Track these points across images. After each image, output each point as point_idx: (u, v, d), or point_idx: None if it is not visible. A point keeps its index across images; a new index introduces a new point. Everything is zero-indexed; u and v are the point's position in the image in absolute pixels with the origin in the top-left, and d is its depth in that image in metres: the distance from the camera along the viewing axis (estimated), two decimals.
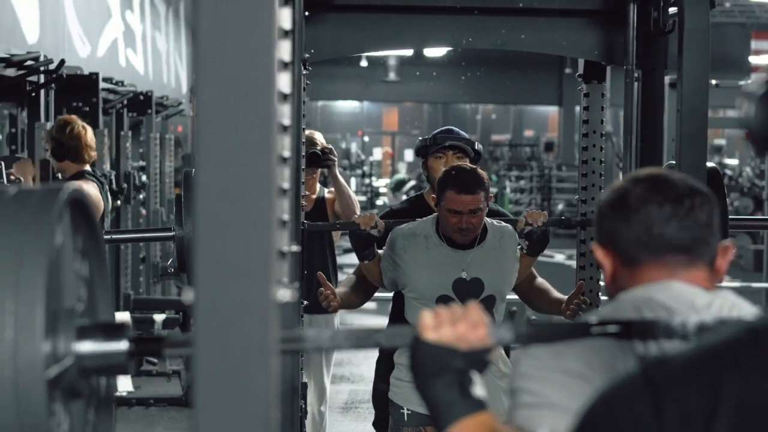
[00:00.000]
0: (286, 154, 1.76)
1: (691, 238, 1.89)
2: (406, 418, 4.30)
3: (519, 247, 4.35)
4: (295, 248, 1.72)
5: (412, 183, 24.24)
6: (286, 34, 1.73)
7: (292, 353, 3.68)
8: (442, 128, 4.93)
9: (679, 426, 1.39)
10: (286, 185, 1.75)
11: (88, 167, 6.14)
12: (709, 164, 4.13)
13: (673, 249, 1.89)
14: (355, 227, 4.31)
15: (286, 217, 1.73)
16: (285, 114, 1.74)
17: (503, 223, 4.39)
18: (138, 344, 1.73)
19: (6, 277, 1.54)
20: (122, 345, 1.70)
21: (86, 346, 1.70)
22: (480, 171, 4.26)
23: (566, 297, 4.37)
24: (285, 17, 1.72)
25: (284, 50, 1.72)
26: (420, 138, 4.91)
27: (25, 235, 1.58)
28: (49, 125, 6.70)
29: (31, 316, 1.54)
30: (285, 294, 1.38)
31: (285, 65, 1.74)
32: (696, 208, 1.89)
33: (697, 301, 1.88)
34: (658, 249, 1.89)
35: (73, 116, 6.38)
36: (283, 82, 1.72)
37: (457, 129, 4.90)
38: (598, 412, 1.50)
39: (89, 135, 6.14)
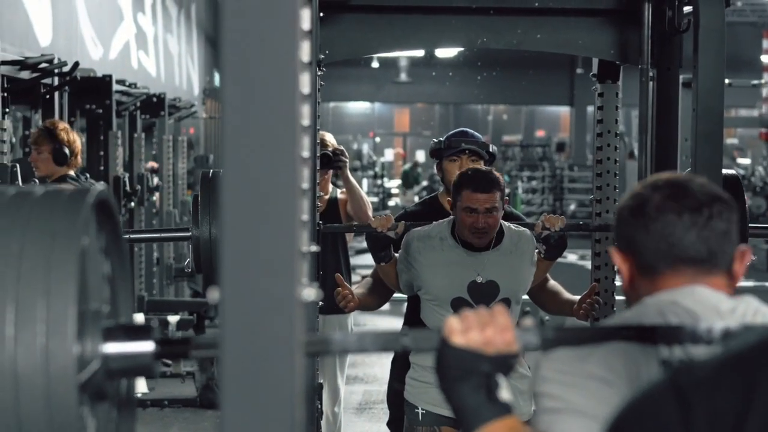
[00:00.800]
0: (306, 154, 1.76)
1: (710, 248, 1.88)
2: (420, 418, 4.31)
3: (536, 251, 4.33)
4: (314, 248, 1.72)
5: (425, 183, 24.24)
6: (305, 34, 1.73)
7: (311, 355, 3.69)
8: (456, 130, 4.92)
9: (708, 429, 1.39)
10: (305, 185, 1.75)
11: (72, 172, 6.16)
12: (730, 171, 4.13)
13: (692, 259, 1.88)
14: (372, 229, 4.30)
15: (305, 217, 1.74)
16: (305, 115, 1.75)
17: (520, 227, 4.38)
18: (164, 346, 1.73)
19: (36, 284, 1.54)
20: (148, 346, 1.71)
21: (113, 348, 1.70)
22: (495, 172, 4.26)
23: (578, 298, 4.37)
24: (305, 18, 1.73)
25: (304, 51, 1.72)
26: (434, 140, 4.90)
27: (55, 240, 1.58)
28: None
29: (63, 323, 1.53)
30: (310, 293, 1.38)
31: (305, 66, 1.74)
32: (715, 217, 1.88)
33: (722, 306, 1.87)
34: (677, 259, 1.89)
35: (59, 120, 6.42)
36: (304, 82, 1.72)
37: (472, 131, 4.89)
38: (626, 421, 1.50)
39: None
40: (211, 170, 3.86)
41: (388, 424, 4.84)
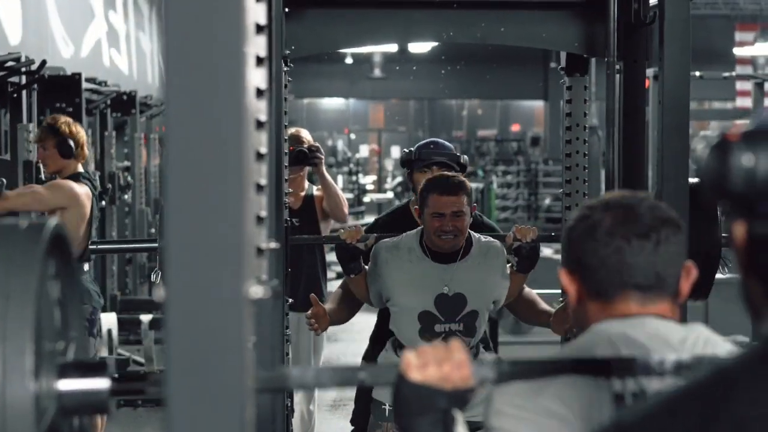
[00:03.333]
0: (263, 150, 1.75)
1: (659, 273, 1.90)
2: (387, 414, 4.31)
3: (509, 264, 4.32)
4: (273, 245, 1.70)
5: (400, 179, 24.21)
6: (261, 29, 1.72)
7: (277, 352, 3.67)
8: (428, 141, 4.92)
9: None
10: (263, 181, 1.73)
11: (81, 168, 6.14)
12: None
13: (641, 285, 1.90)
14: (341, 241, 4.27)
15: (263, 213, 1.72)
16: (261, 110, 1.73)
17: (490, 239, 4.36)
18: (120, 383, 1.71)
19: None
20: (103, 384, 1.68)
21: (68, 385, 1.67)
22: (461, 177, 4.27)
23: (553, 311, 4.37)
24: (260, 13, 1.71)
25: (259, 45, 1.71)
26: (405, 150, 4.90)
27: (11, 278, 1.55)
28: (31, 126, 6.68)
29: (20, 362, 1.51)
30: (258, 290, 1.36)
31: (260, 60, 1.72)
32: (663, 242, 1.89)
33: (672, 337, 1.89)
34: (625, 284, 1.90)
35: (62, 115, 6.39)
36: (258, 77, 1.71)
37: (443, 141, 4.89)
38: None
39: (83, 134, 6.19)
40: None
41: (352, 420, 4.84)
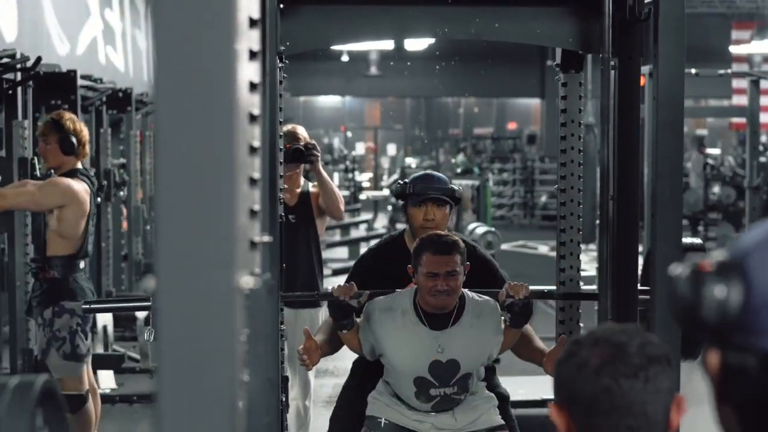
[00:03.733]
0: (256, 144, 1.75)
1: (647, 412, 1.89)
2: (382, 426, 4.34)
3: (503, 318, 4.32)
4: (267, 239, 1.70)
5: (395, 176, 24.21)
6: (254, 23, 1.72)
7: (272, 347, 3.67)
8: (422, 174, 4.90)
9: None
10: (256, 175, 1.74)
11: (80, 165, 6.14)
12: (696, 241, 4.14)
13: (631, 424, 1.89)
14: (334, 298, 4.25)
15: (257, 207, 1.72)
16: (254, 104, 1.73)
17: (484, 297, 4.35)
18: None
19: None
20: None
21: None
22: (456, 235, 4.27)
23: (548, 350, 4.37)
24: (253, 6, 1.71)
25: (252, 39, 1.71)
26: (400, 181, 4.89)
27: None
28: (27, 123, 6.68)
29: None
30: (249, 281, 1.37)
31: (254, 54, 1.73)
32: (652, 379, 1.88)
33: None
34: (614, 422, 1.89)
35: (66, 111, 6.39)
36: (252, 71, 1.71)
37: (438, 174, 4.88)
38: None
39: (86, 132, 6.19)
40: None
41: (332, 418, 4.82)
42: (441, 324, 4.25)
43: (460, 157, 26.57)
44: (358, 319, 4.35)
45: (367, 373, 4.57)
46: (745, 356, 1.40)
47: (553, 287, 4.68)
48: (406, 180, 4.86)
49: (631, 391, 1.87)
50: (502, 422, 4.41)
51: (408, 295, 4.31)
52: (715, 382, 1.43)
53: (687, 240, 4.01)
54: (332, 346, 4.52)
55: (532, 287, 4.29)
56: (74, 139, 6.03)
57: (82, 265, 6.10)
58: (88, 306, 4.94)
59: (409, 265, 4.28)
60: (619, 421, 1.89)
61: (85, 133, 6.13)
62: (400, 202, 4.89)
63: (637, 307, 4.05)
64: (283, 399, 4.22)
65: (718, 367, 1.42)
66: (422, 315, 4.25)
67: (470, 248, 4.60)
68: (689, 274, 1.42)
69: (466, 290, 4.31)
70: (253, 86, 1.71)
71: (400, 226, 5.03)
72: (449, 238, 4.22)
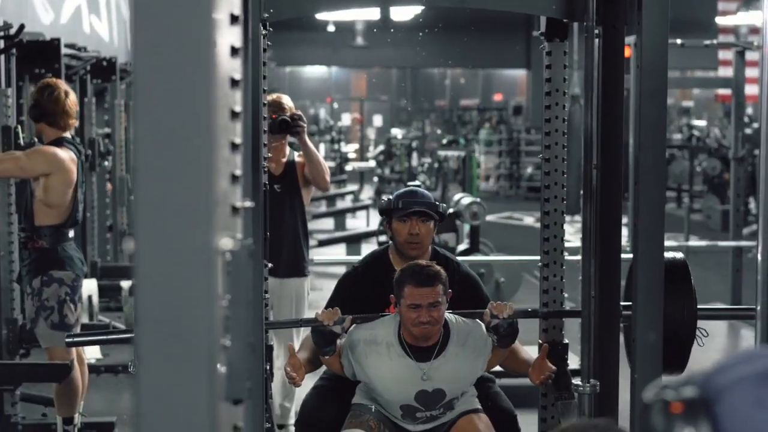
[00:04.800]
0: (238, 108, 1.75)
1: None
2: (373, 410, 4.35)
3: (490, 338, 4.31)
4: (249, 204, 1.70)
5: (382, 147, 24.18)
6: None
7: (254, 311, 3.67)
8: (407, 189, 4.87)
9: None
10: (237, 140, 1.74)
11: (67, 134, 6.11)
12: (678, 255, 4.14)
13: None
14: (318, 323, 4.23)
15: (238, 172, 1.72)
16: (235, 68, 1.73)
17: (468, 322, 4.35)
18: None
19: None
20: None
21: None
22: (436, 266, 4.26)
23: (533, 360, 4.39)
24: None
25: (233, 3, 1.71)
26: (384, 197, 4.87)
27: None
28: (10, 92, 6.64)
29: None
30: (228, 242, 1.37)
31: (235, 18, 1.72)
32: None
33: None
34: None
35: (58, 80, 6.34)
36: (233, 35, 1.70)
37: (422, 190, 4.85)
38: None
39: (69, 102, 6.09)
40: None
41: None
42: (426, 356, 4.27)
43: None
44: (340, 341, 4.33)
45: None
46: None
47: (537, 306, 4.62)
48: (390, 196, 4.84)
49: None
50: (478, 406, 4.43)
51: (392, 325, 4.31)
52: None
53: (669, 255, 4.01)
54: (314, 365, 4.52)
55: (515, 306, 4.29)
56: (42, 108, 5.99)
57: (71, 234, 6.09)
58: (71, 340, 4.86)
59: (392, 295, 4.28)
60: None
61: (62, 103, 6.05)
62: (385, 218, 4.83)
63: (620, 275, 4.07)
64: (268, 367, 4.23)
65: None
66: (407, 347, 4.28)
67: (454, 265, 4.64)
68: (659, 412, 1.43)
69: (449, 315, 4.33)
70: (234, 51, 1.71)
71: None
72: (431, 270, 4.21)
